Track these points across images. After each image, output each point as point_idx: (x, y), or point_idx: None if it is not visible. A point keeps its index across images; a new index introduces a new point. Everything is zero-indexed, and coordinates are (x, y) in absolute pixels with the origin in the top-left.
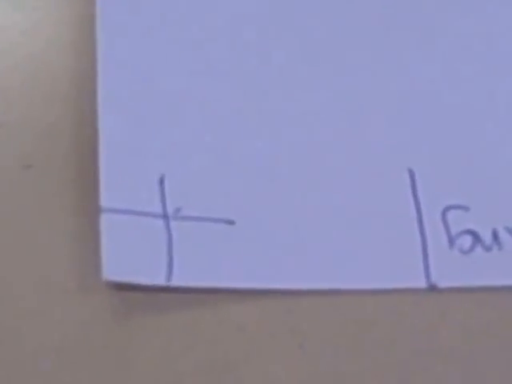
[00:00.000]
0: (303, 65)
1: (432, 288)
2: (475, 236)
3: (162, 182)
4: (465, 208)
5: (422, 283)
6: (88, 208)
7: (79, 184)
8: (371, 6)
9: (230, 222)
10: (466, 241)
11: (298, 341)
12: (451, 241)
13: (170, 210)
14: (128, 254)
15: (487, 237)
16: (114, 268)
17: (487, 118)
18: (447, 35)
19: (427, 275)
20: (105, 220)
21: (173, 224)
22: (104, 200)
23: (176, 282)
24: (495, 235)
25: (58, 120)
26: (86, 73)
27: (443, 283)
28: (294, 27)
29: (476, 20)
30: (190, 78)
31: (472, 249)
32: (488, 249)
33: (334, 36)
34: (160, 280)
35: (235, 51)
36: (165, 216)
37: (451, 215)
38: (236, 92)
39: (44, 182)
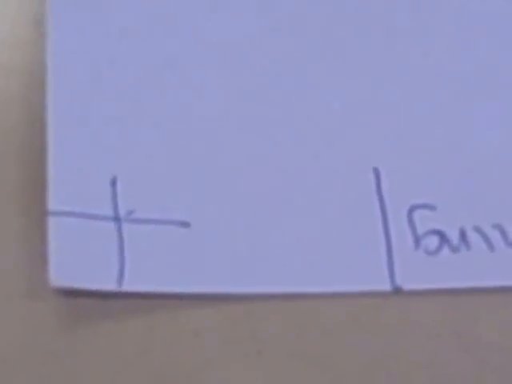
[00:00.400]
0: (270, 61)
1: (397, 290)
2: (442, 236)
3: (113, 183)
4: (431, 207)
5: (386, 286)
6: (36, 210)
7: (26, 185)
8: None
9: (185, 225)
10: (433, 241)
11: (257, 346)
12: (417, 241)
13: (122, 212)
14: (77, 259)
15: (454, 237)
16: (61, 273)
17: (455, 117)
18: (419, 35)
19: (392, 277)
20: (52, 223)
21: (125, 227)
22: (52, 202)
23: (128, 287)
24: (463, 235)
25: (6, 119)
26: (36, 71)
27: (408, 285)
28: (274, 23)
29: (455, 16)
30: (143, 77)
31: (439, 249)
32: (455, 249)
33: (309, 34)
34: (111, 285)
35: (189, 49)
36: (116, 218)
37: (417, 215)
38: (188, 91)
39: None
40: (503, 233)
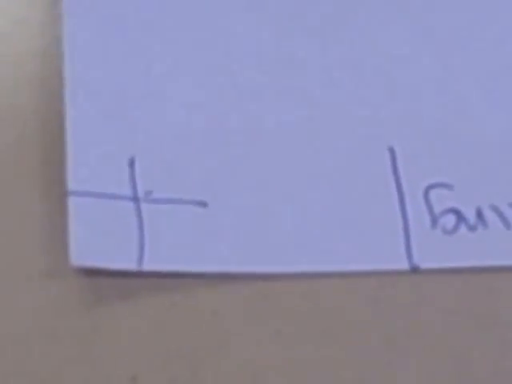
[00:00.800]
0: (282, 41)
1: (414, 269)
2: (459, 215)
3: (132, 164)
4: (448, 186)
5: (404, 265)
6: (56, 191)
7: (47, 167)
8: None
9: (203, 204)
10: (450, 220)
11: (275, 325)
12: (434, 220)
13: (140, 192)
14: (97, 238)
15: (471, 216)
16: (82, 253)
17: (471, 95)
18: (433, 18)
19: (409, 256)
20: (72, 203)
21: (143, 207)
22: (71, 183)
23: (147, 266)
24: (480, 214)
25: (25, 102)
26: (54, 54)
27: (426, 264)
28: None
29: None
30: (161, 59)
31: (456, 228)
32: (472, 228)
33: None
34: (131, 265)
35: (203, 37)
36: (135, 198)
37: (434, 194)
38: (208, 73)
39: (10, 165)
40: None
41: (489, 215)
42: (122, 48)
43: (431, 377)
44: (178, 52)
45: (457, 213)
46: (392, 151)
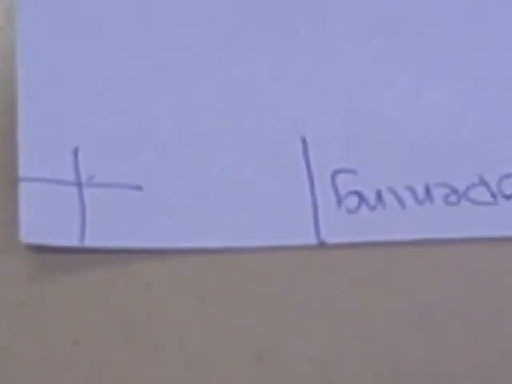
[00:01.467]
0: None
1: (322, 244)
2: (361, 196)
3: (76, 152)
4: (352, 171)
5: (312, 240)
6: (6, 177)
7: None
8: None
9: (139, 188)
10: (353, 201)
11: (198, 296)
12: (339, 201)
13: (83, 177)
14: (44, 219)
15: (372, 197)
16: (31, 231)
17: (377, 86)
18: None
19: (317, 233)
20: (23, 188)
21: (86, 191)
22: (22, 169)
23: (88, 243)
24: (379, 195)
25: None
26: (8, 53)
27: (332, 240)
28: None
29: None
30: (106, 58)
31: (358, 208)
32: (372, 208)
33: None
34: (73, 241)
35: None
36: (78, 184)
37: (340, 178)
38: (145, 62)
39: None
40: (413, 192)
41: (387, 196)
42: (71, 46)
43: (342, 339)
44: (123, 51)
45: (359, 194)
46: (304, 140)
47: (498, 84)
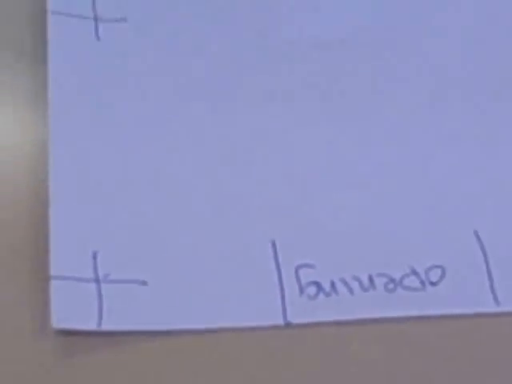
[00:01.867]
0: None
1: (287, 324)
2: (318, 286)
3: (95, 255)
4: (311, 266)
5: (280, 321)
6: (38, 274)
7: (31, 256)
8: None
9: (144, 283)
10: (312, 290)
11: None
12: (301, 290)
13: (101, 275)
14: (70, 309)
15: (327, 286)
16: (60, 318)
17: (329, 186)
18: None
19: (284, 315)
20: (54, 284)
21: (102, 286)
22: (53, 269)
23: (105, 327)
24: (333, 285)
25: (14, 208)
26: (40, 160)
27: (296, 320)
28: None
29: None
30: (118, 170)
31: (316, 295)
32: (328, 295)
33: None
34: (93, 326)
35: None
36: (96, 280)
37: (302, 271)
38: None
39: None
40: (360, 282)
41: (339, 285)
42: (95, 166)
43: None
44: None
45: (317, 284)
46: (274, 243)
47: (425, 187)
